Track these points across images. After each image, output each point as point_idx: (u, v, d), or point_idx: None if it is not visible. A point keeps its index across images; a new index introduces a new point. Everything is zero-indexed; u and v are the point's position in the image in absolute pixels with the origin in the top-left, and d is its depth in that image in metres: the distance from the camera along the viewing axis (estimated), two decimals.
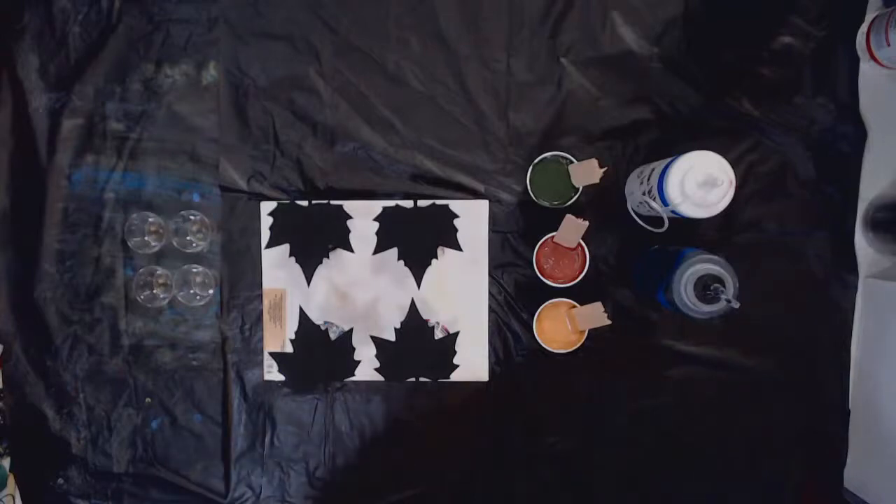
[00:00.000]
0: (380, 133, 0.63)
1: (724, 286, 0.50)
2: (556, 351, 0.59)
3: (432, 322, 0.64)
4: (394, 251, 0.64)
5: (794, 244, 0.62)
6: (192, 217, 0.63)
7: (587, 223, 0.56)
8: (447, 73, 0.62)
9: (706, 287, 0.51)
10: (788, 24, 0.60)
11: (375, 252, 0.64)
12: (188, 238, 0.64)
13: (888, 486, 0.57)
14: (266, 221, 0.64)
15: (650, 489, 0.64)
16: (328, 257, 0.64)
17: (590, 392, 0.63)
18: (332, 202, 0.64)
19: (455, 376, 0.64)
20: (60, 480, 0.66)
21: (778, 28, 0.60)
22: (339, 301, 0.64)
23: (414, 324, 0.64)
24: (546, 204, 0.59)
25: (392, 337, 0.64)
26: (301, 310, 0.64)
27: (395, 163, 0.63)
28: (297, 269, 0.64)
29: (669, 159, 0.52)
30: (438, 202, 0.63)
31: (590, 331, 0.59)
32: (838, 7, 0.60)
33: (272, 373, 0.65)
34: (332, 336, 0.64)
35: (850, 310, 0.61)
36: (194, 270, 0.64)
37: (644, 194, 0.55)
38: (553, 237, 0.57)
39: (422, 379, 0.64)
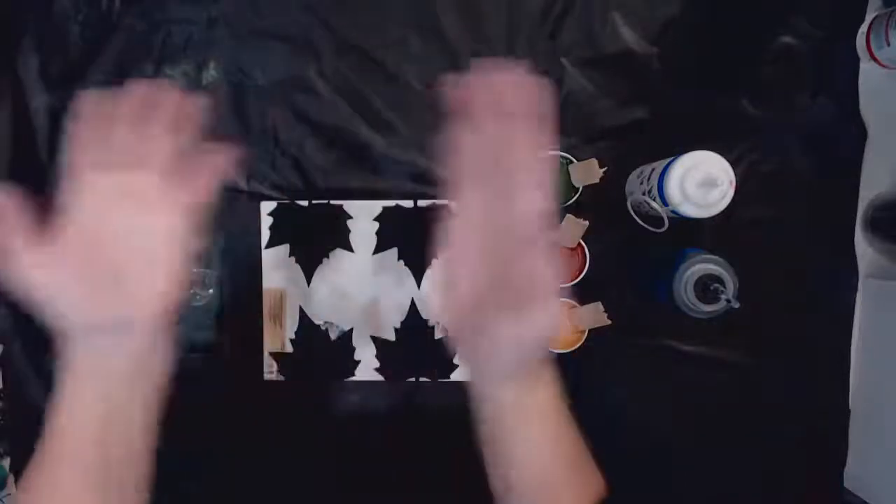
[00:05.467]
0: (380, 133, 0.63)
1: (724, 286, 0.50)
2: (556, 351, 0.59)
3: (432, 322, 0.64)
4: (394, 251, 0.64)
5: (794, 244, 0.62)
6: None
7: (587, 223, 0.56)
8: (447, 73, 0.62)
9: (706, 287, 0.51)
10: (788, 24, 0.60)
11: (375, 252, 0.64)
12: None
13: (888, 486, 0.57)
14: (266, 221, 0.64)
15: (649, 489, 0.64)
16: (328, 257, 0.64)
17: (590, 392, 0.63)
18: (332, 202, 0.64)
19: (455, 376, 0.64)
20: None
21: (778, 28, 0.61)
22: (339, 301, 0.64)
23: (414, 324, 0.64)
24: None
25: (392, 337, 0.64)
26: (301, 310, 0.64)
27: (395, 163, 0.63)
28: (297, 269, 0.64)
29: (669, 159, 0.52)
30: (438, 202, 0.63)
31: (590, 331, 0.59)
32: (838, 7, 0.60)
33: (272, 373, 0.65)
34: (332, 336, 0.64)
35: (850, 310, 0.61)
36: (194, 270, 0.64)
37: (644, 194, 0.55)
38: None
39: (422, 379, 0.64)
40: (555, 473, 0.38)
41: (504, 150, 0.35)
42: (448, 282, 0.38)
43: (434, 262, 0.64)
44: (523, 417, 0.37)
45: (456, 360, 0.64)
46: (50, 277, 0.35)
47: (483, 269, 0.37)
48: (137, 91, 0.39)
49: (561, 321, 0.34)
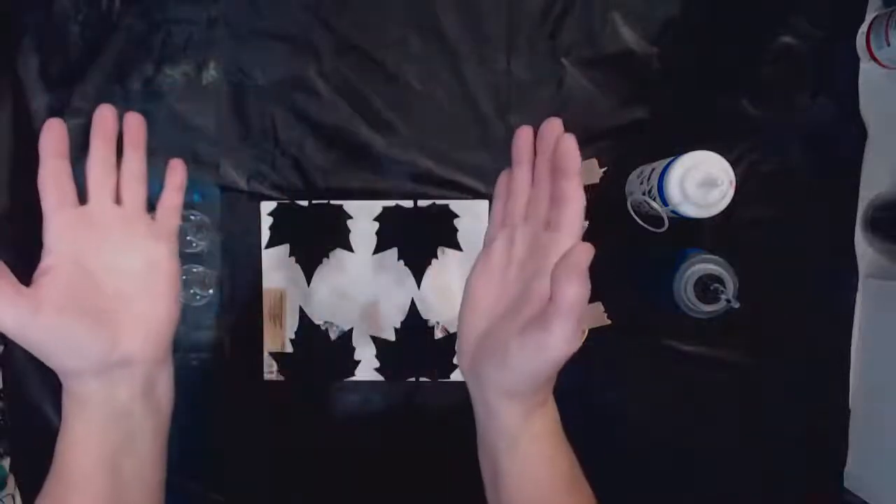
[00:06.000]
0: (380, 133, 0.63)
1: (724, 286, 0.50)
2: None
3: (432, 322, 0.64)
4: (394, 251, 0.64)
5: (794, 244, 0.62)
6: (192, 217, 0.63)
7: (587, 223, 0.56)
8: (447, 73, 0.62)
9: (706, 287, 0.51)
10: (788, 24, 0.60)
11: (375, 252, 0.64)
12: (188, 238, 0.64)
13: (888, 486, 0.57)
14: (266, 221, 0.64)
15: (649, 489, 0.64)
16: (328, 257, 0.64)
17: (590, 392, 0.63)
18: (332, 202, 0.64)
19: (455, 376, 0.64)
20: None
21: (778, 28, 0.61)
22: (339, 301, 0.64)
23: (414, 324, 0.64)
24: None
25: (392, 337, 0.64)
26: (301, 310, 0.64)
27: (395, 163, 0.63)
28: (297, 269, 0.64)
29: (669, 159, 0.52)
30: (438, 202, 0.63)
31: (590, 331, 0.59)
32: (838, 7, 0.60)
33: (272, 373, 0.65)
34: (332, 336, 0.64)
35: (850, 310, 0.61)
36: (194, 270, 0.64)
37: (644, 194, 0.55)
38: None
39: (422, 379, 0.64)
40: (548, 493, 0.38)
41: (552, 203, 0.39)
42: (468, 301, 0.40)
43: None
44: (523, 435, 0.37)
45: (455, 361, 0.64)
46: (34, 334, 0.35)
47: (505, 292, 0.39)
48: (97, 122, 0.40)
49: (575, 346, 0.34)
